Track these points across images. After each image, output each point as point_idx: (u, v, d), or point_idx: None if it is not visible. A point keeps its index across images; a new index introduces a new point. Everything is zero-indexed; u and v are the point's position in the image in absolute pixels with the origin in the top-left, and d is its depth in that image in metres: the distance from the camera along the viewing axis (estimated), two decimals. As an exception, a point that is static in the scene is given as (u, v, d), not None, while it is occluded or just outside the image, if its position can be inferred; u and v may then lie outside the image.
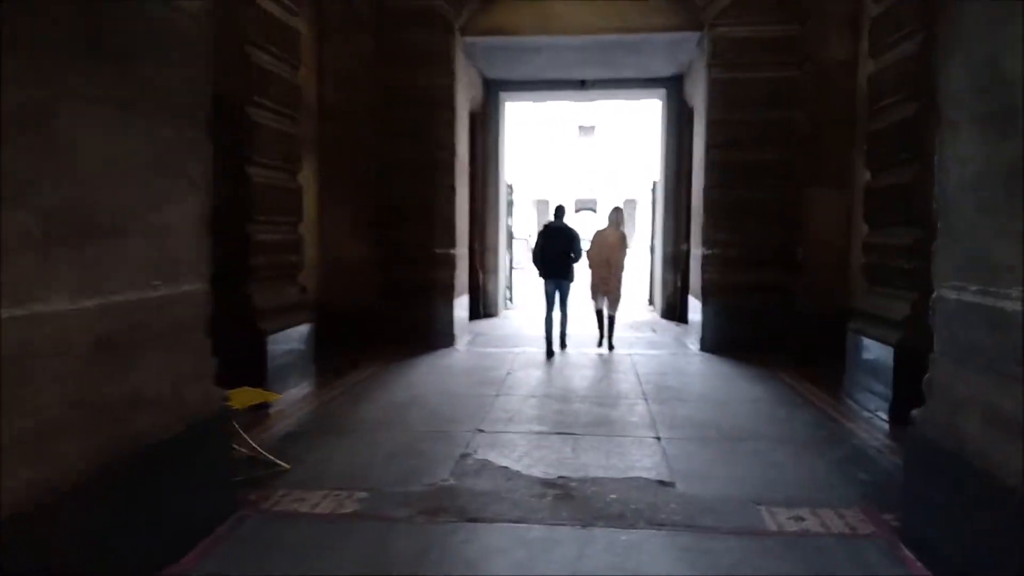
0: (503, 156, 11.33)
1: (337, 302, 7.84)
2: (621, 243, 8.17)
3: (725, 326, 7.87)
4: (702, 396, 5.78)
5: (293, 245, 6.42)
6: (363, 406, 5.44)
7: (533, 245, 8.08)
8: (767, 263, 7.84)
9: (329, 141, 7.85)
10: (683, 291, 10.41)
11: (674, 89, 10.50)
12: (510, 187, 12.12)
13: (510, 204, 12.30)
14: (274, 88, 5.96)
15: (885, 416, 4.94)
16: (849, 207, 7.48)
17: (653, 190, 11.97)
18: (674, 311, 10.66)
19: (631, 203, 43.37)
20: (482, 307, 10.81)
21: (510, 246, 12.90)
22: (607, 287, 8.06)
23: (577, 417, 5.10)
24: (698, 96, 8.45)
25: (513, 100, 11.55)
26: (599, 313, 8.17)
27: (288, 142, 6.26)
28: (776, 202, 7.78)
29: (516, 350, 7.88)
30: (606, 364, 7.10)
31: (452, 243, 8.17)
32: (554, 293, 7.80)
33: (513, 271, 24.25)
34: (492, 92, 10.69)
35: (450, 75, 7.99)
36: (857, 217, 7.30)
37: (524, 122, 44.06)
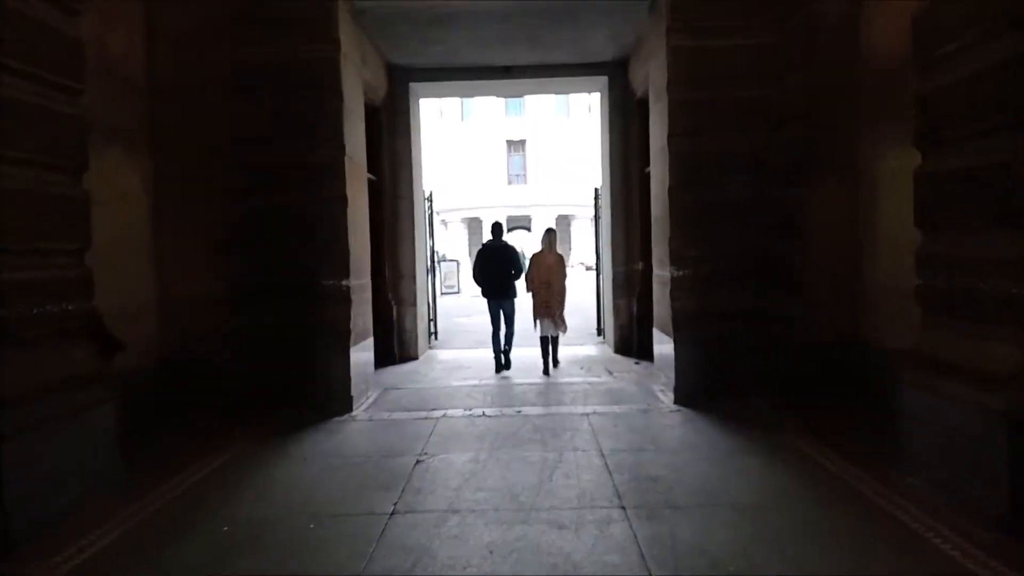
0: (418, 161, 9.32)
1: (186, 355, 5.62)
2: (559, 265, 7.88)
3: (704, 367, 6.07)
4: (704, 496, 3.84)
5: (75, 284, 4.20)
6: (172, 550, 3.29)
7: (472, 265, 7.93)
8: (753, 282, 6.12)
9: (167, 131, 5.64)
10: (640, 320, 8.64)
11: (618, 75, 8.79)
12: (429, 199, 10.12)
13: (430, 219, 10.29)
14: (31, 41, 3.79)
15: (998, 521, 3.18)
16: (856, 202, 5.86)
17: (596, 199, 10.21)
18: (629, 344, 8.85)
19: (565, 219, 42.13)
20: (397, 349, 8.71)
21: (433, 270, 10.86)
22: (549, 310, 7.72)
23: (522, 559, 3.10)
24: (655, 74, 6.71)
25: (428, 94, 9.57)
26: (543, 339, 7.78)
27: (62, 126, 4.07)
28: (760, 202, 6.09)
29: (435, 414, 5.83)
30: (557, 436, 5.11)
31: (345, 271, 6.08)
32: (498, 312, 7.75)
33: (443, 296, 22.29)
34: (399, 82, 8.68)
35: (332, 45, 5.94)
36: (870, 214, 5.68)
37: (449, 136, 42.38)
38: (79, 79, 4.20)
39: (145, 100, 5.46)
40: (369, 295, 6.89)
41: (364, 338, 6.61)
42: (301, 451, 4.83)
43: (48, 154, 3.97)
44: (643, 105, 8.20)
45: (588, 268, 37.38)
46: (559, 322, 7.76)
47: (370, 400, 6.47)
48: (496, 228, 7.97)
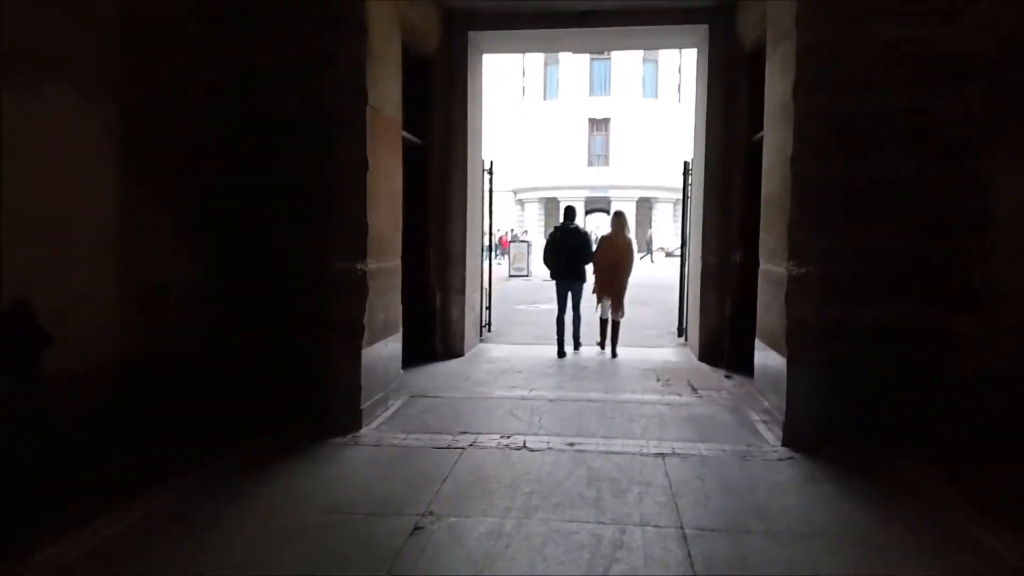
0: (476, 126, 7.96)
1: (154, 355, 4.51)
2: (627, 249, 7.89)
3: (829, 400, 4.47)
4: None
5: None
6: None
7: (543, 248, 8.17)
8: (906, 289, 4.44)
9: (140, 80, 4.51)
10: (733, 322, 7.02)
11: (721, 23, 7.09)
12: (489, 171, 8.77)
13: (490, 194, 8.95)
14: None
15: None
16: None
17: (685, 173, 8.56)
18: (718, 351, 7.24)
19: (647, 202, 39.95)
20: (439, 344, 7.45)
21: (491, 251, 9.55)
22: (611, 292, 7.79)
23: None
24: (777, 9, 5.05)
25: (492, 48, 8.15)
26: (603, 321, 7.98)
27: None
28: (922, 182, 4.39)
29: (462, 441, 4.51)
30: (620, 494, 3.66)
31: (361, 251, 4.82)
32: (566, 295, 7.82)
33: (510, 279, 20.84)
34: (457, 31, 7.32)
35: (353, -37, 4.65)
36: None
37: (531, 115, 40.81)
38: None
39: (115, 31, 4.32)
40: (398, 281, 5.62)
41: (387, 334, 5.37)
42: (266, 498, 3.58)
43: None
44: (754, 59, 6.54)
45: (669, 254, 35.23)
46: (619, 306, 7.79)
47: (388, 412, 5.24)
48: (569, 211, 8.00)
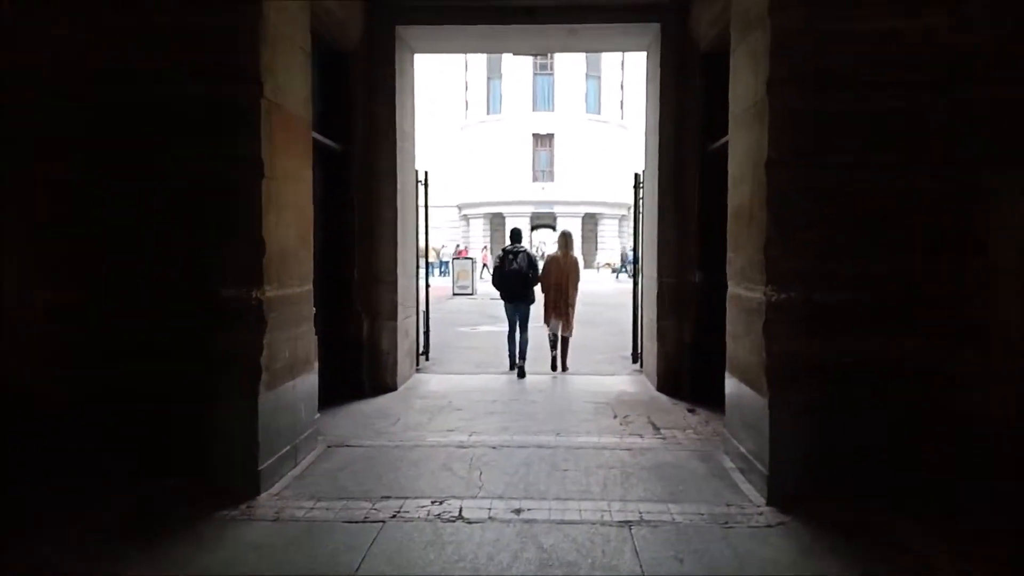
0: (407, 130, 7.12)
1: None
2: (574, 268, 8.00)
3: (818, 448, 3.82)
4: None
5: None
6: None
7: (492, 269, 8.37)
8: (901, 319, 3.84)
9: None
10: (694, 347, 6.39)
11: (673, 21, 6.50)
12: (424, 182, 7.93)
13: (425, 208, 8.12)
14: None
15: None
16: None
17: (636, 186, 7.94)
18: (678, 380, 6.58)
19: (592, 218, 39.80)
20: (367, 378, 6.53)
21: (427, 270, 8.69)
22: (559, 311, 7.92)
23: None
24: (741, 2, 4.43)
25: (424, 47, 7.35)
26: (553, 338, 8.06)
27: None
28: (917, 196, 3.83)
29: (383, 511, 3.64)
30: None
31: (255, 275, 3.91)
32: (514, 315, 7.92)
33: (454, 297, 19.94)
34: (382, 22, 6.49)
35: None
36: None
37: (474, 130, 40.18)
38: None
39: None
40: (309, 309, 4.72)
41: (296, 373, 4.45)
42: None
43: None
44: (711, 60, 6.00)
45: (614, 270, 35.07)
46: (568, 324, 7.96)
47: (297, 470, 4.31)
48: (515, 234, 8.10)
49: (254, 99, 3.88)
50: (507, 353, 8.06)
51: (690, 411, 5.92)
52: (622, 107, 41.09)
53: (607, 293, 20.86)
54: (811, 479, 3.83)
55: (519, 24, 6.55)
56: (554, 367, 7.95)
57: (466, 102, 41.74)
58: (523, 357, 7.75)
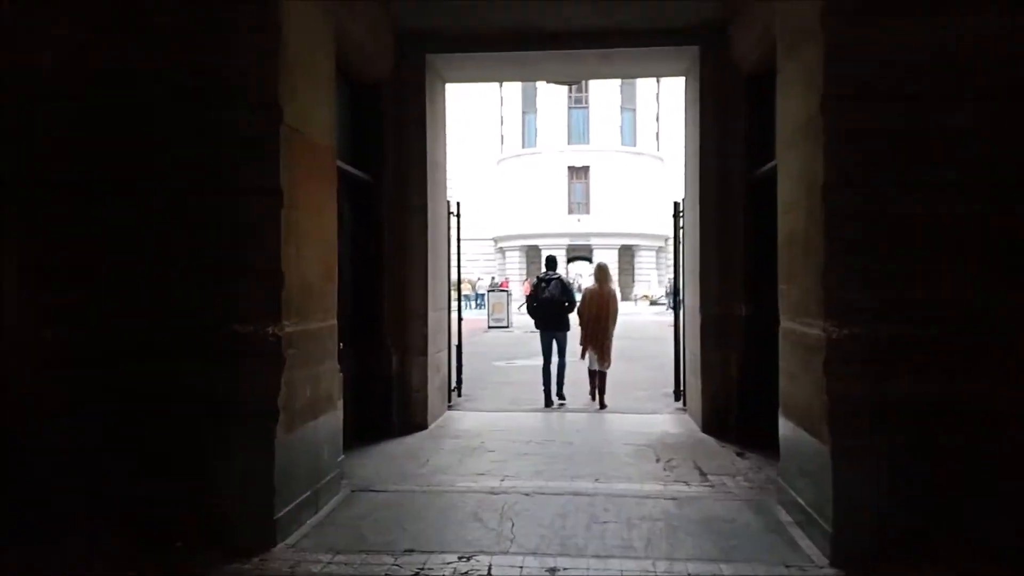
0: (439, 161, 7.00)
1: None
2: (611, 300, 8.00)
3: (892, 503, 3.40)
4: None
5: None
6: None
7: (527, 297, 8.51)
8: (986, 357, 3.42)
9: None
10: (743, 385, 5.98)
11: (713, 44, 6.21)
12: (456, 213, 7.77)
13: (457, 239, 7.94)
14: None
15: None
16: None
17: (676, 215, 7.63)
18: (724, 419, 6.15)
19: (628, 250, 39.34)
20: (396, 416, 6.26)
21: (459, 301, 8.48)
22: (597, 344, 7.82)
23: None
24: (791, 11, 4.15)
25: (454, 76, 7.25)
26: (591, 372, 7.95)
27: None
28: (1005, 220, 3.43)
29: (405, 567, 3.33)
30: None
31: (274, 310, 3.69)
32: (551, 344, 7.82)
33: (489, 331, 19.60)
34: (412, 52, 6.38)
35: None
36: None
37: (509, 164, 40.38)
38: None
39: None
40: (333, 345, 4.51)
41: (318, 413, 4.22)
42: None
43: None
44: (755, 83, 5.74)
45: (653, 303, 34.41)
46: (605, 357, 7.84)
47: (317, 517, 4.04)
48: (550, 261, 8.26)
49: (273, 125, 3.73)
50: (542, 389, 7.79)
51: (739, 454, 5.49)
52: (658, 138, 40.85)
53: (644, 324, 20.36)
54: (881, 537, 3.40)
55: (548, 50, 6.37)
56: (592, 397, 7.85)
57: (501, 136, 42.04)
58: (560, 384, 7.72)
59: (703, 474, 4.92)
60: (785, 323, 4.21)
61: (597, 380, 7.84)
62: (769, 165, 5.49)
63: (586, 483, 4.66)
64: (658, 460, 5.29)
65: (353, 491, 4.53)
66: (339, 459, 4.62)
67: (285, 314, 3.77)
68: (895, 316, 3.43)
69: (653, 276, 38.51)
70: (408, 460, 5.29)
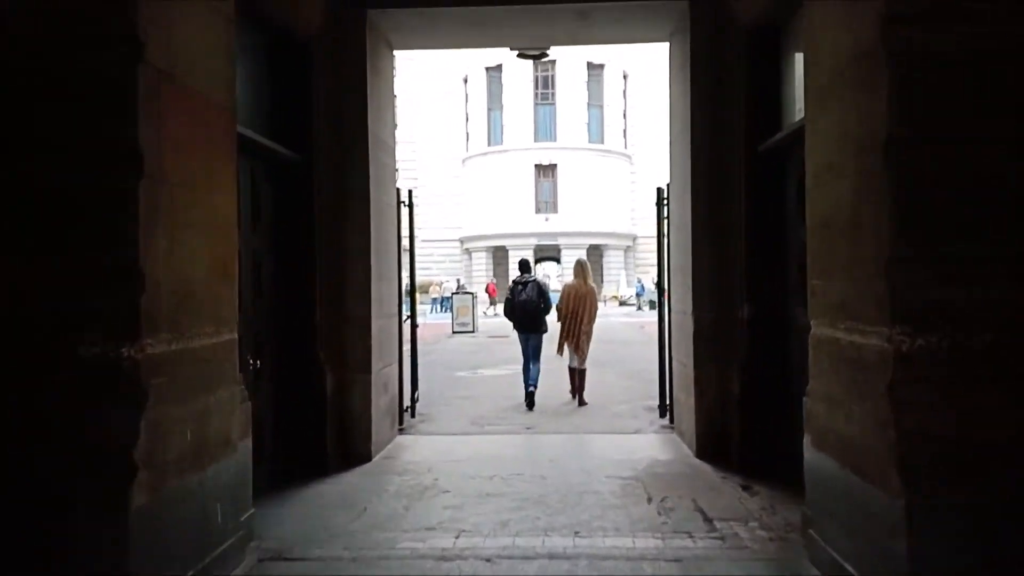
0: (385, 141, 5.92)
1: None
2: (590, 296, 7.93)
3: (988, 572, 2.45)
4: None
5: None
6: None
7: (503, 301, 8.43)
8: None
9: None
10: (745, 402, 5.04)
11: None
12: (407, 203, 6.70)
13: (410, 233, 6.88)
14: None
15: None
16: None
17: (660, 203, 6.69)
18: (723, 441, 5.21)
19: (597, 249, 38.56)
20: (332, 446, 5.15)
21: (412, 305, 7.40)
22: (576, 341, 7.76)
23: None
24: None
25: (403, 41, 6.17)
26: (571, 370, 7.95)
27: None
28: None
29: None
30: None
31: (130, 323, 2.60)
32: (527, 345, 7.84)
33: (454, 335, 18.37)
34: (350, 2, 5.30)
35: None
36: None
37: (475, 162, 39.23)
38: None
39: None
40: (231, 366, 3.41)
41: (208, 461, 3.12)
42: None
43: None
44: (756, 39, 4.83)
45: (622, 303, 33.75)
46: (583, 355, 7.82)
47: (197, 609, 2.95)
48: (523, 264, 8.37)
49: (131, 64, 2.64)
50: (523, 389, 7.76)
51: (744, 488, 4.54)
52: (625, 136, 40.29)
53: (615, 326, 19.50)
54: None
55: (518, 4, 5.37)
56: (572, 394, 7.94)
57: (467, 134, 40.99)
58: (534, 385, 7.66)
59: (707, 519, 3.93)
60: (820, 329, 3.26)
61: (577, 379, 7.84)
62: (780, 135, 4.58)
63: (564, 539, 3.62)
64: (650, 500, 4.29)
65: (261, 560, 3.44)
66: (246, 515, 3.52)
67: (148, 328, 2.68)
68: (993, 321, 2.50)
69: (622, 276, 37.82)
70: (341, 510, 4.18)
